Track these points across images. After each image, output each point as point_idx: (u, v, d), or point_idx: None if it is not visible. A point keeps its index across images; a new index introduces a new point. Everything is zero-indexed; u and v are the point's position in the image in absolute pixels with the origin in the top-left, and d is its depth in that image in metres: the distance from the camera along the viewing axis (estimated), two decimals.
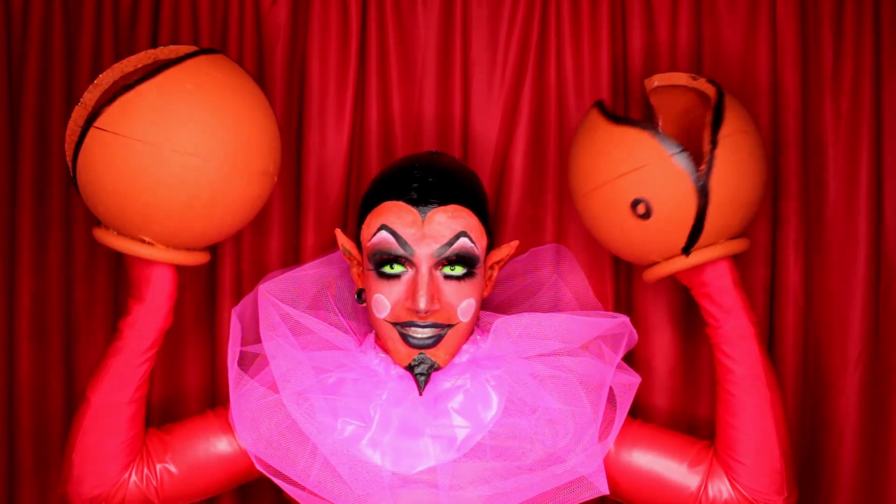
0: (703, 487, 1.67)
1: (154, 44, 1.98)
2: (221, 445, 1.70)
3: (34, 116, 1.97)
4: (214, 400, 1.97)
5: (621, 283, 1.97)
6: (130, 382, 1.67)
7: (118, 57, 1.98)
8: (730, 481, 1.67)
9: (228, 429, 1.71)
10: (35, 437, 1.98)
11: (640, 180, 1.61)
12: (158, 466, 1.68)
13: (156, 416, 1.94)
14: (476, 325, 1.72)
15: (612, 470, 1.69)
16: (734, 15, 1.96)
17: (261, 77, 1.98)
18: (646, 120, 1.64)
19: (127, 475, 1.67)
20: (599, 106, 1.70)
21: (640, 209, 1.61)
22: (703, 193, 1.61)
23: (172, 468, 1.69)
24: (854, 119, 1.94)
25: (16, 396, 1.98)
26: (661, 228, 1.63)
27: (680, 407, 1.95)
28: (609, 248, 1.75)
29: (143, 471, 1.68)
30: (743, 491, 1.66)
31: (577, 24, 1.96)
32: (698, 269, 1.67)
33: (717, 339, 1.69)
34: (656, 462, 1.69)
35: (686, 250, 1.66)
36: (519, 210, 1.97)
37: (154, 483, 1.68)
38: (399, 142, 1.97)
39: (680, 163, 1.60)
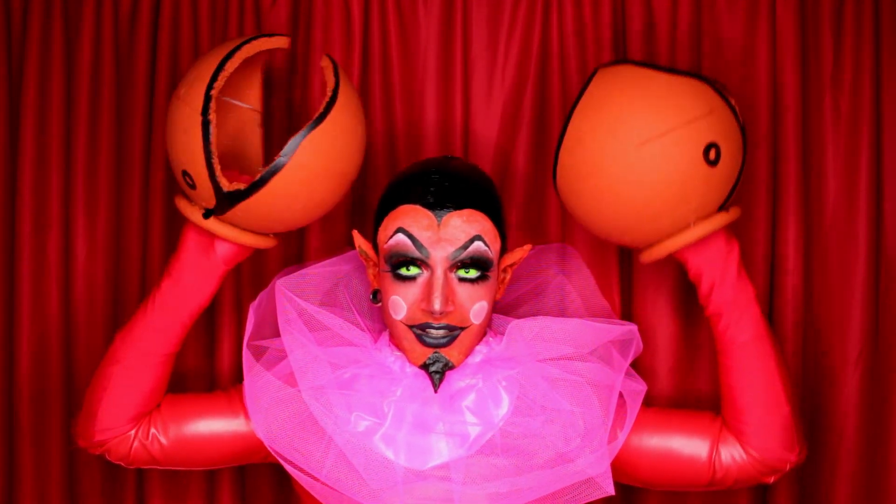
0: (714, 456, 1.70)
1: (154, 44, 1.98)
2: (229, 425, 1.74)
3: (34, 116, 1.97)
4: (214, 386, 1.98)
5: (625, 281, 1.97)
6: (163, 337, 1.73)
7: (118, 57, 1.98)
8: (741, 445, 1.69)
9: (238, 410, 1.74)
10: (35, 437, 1.98)
11: (711, 125, 1.59)
12: (169, 430, 1.73)
13: None
14: (488, 327, 1.74)
15: (623, 459, 1.71)
16: (734, 15, 1.96)
17: (267, 82, 1.98)
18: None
19: (134, 431, 1.73)
20: (631, 61, 1.67)
21: (712, 154, 1.59)
22: (745, 143, 1.65)
23: (180, 435, 1.74)
24: (854, 119, 1.94)
25: (16, 396, 1.98)
26: (720, 178, 1.62)
27: (682, 392, 1.96)
28: (636, 215, 1.63)
29: (149, 430, 1.73)
30: (754, 453, 1.69)
31: (580, 26, 1.96)
32: (713, 235, 1.67)
33: (720, 310, 1.68)
34: (665, 441, 1.71)
35: (724, 207, 1.66)
36: (522, 211, 1.97)
37: (160, 443, 1.73)
38: (402, 143, 1.98)
39: (732, 111, 1.63)
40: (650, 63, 1.67)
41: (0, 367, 1.99)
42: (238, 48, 1.65)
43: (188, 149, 1.63)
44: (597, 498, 1.68)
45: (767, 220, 1.95)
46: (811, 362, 1.95)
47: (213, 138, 1.61)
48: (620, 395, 1.72)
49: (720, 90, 1.65)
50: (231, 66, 1.63)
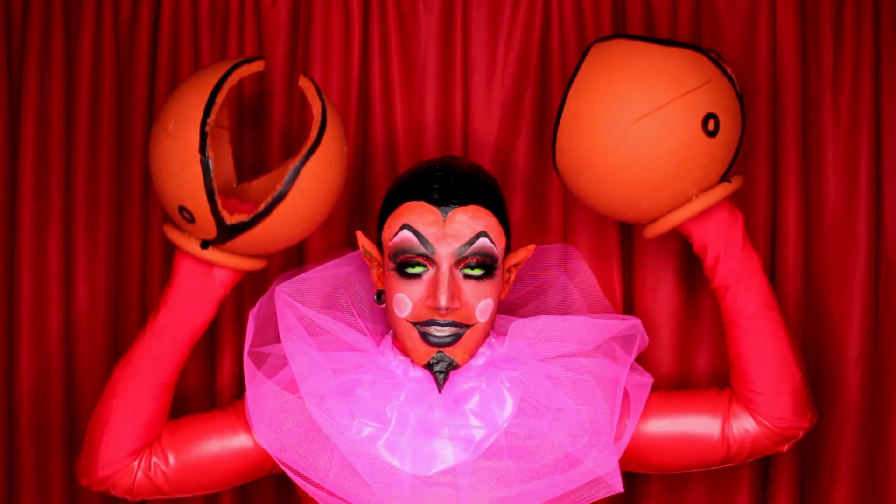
0: (726, 429, 1.70)
1: (154, 44, 1.98)
2: (230, 443, 1.72)
3: (34, 116, 1.97)
4: (214, 401, 1.97)
5: (626, 274, 1.97)
6: (161, 366, 1.71)
7: (118, 57, 1.98)
8: (752, 416, 1.69)
9: (238, 427, 1.72)
10: (35, 437, 1.98)
11: (708, 95, 1.60)
12: (169, 458, 1.71)
13: None
14: (491, 328, 1.72)
15: (634, 447, 1.70)
16: (733, 15, 1.96)
17: (261, 77, 1.98)
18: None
19: (137, 462, 1.70)
20: (625, 35, 1.67)
21: (711, 125, 1.59)
22: (744, 115, 1.65)
23: (182, 461, 1.71)
24: (854, 119, 1.94)
25: (16, 397, 1.98)
26: (720, 148, 1.61)
27: (682, 377, 1.96)
28: (638, 190, 1.63)
29: (150, 460, 1.70)
30: (767, 422, 1.69)
31: (580, 26, 1.96)
32: (716, 206, 1.67)
33: (726, 281, 1.68)
34: (674, 424, 1.71)
35: (725, 177, 1.65)
36: (523, 211, 1.97)
37: (162, 472, 1.70)
38: (402, 142, 1.97)
39: (728, 80, 1.63)
40: (644, 36, 1.66)
41: (1, 371, 1.99)
42: (224, 80, 1.64)
43: (187, 186, 1.62)
44: (605, 496, 1.67)
45: (767, 220, 1.95)
46: (811, 362, 1.95)
47: (213, 175, 1.60)
48: (626, 389, 1.71)
49: (716, 59, 1.64)
50: (220, 99, 1.62)
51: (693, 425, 1.71)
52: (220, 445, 1.72)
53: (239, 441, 1.72)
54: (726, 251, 1.68)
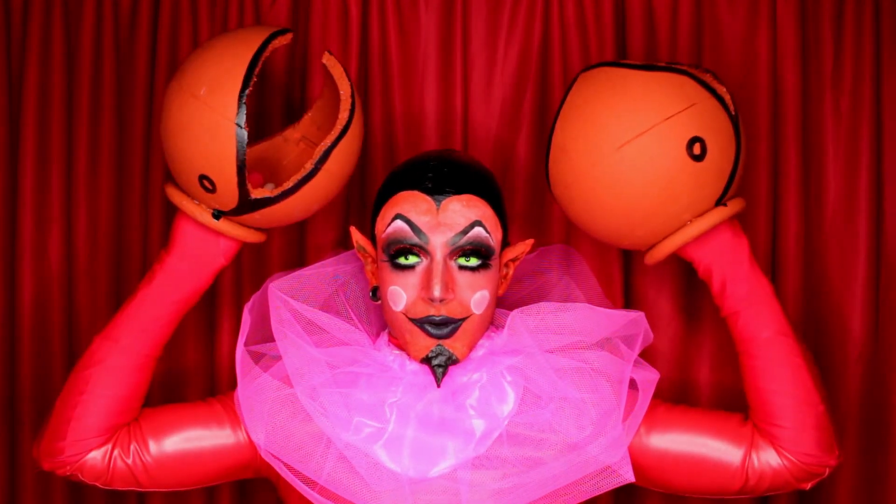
0: (747, 461, 1.64)
1: (154, 43, 1.98)
2: (216, 436, 1.67)
3: (34, 116, 1.97)
4: (213, 382, 1.97)
5: (627, 276, 1.97)
6: (147, 336, 1.67)
7: (118, 57, 1.98)
8: (776, 450, 1.63)
9: (225, 420, 1.68)
10: (36, 428, 1.98)
11: (692, 118, 1.57)
12: (150, 444, 1.65)
13: None
14: (492, 323, 1.70)
15: (648, 459, 1.66)
16: (734, 15, 1.96)
17: (261, 76, 1.98)
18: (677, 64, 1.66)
19: (110, 445, 1.64)
20: (608, 63, 1.66)
21: (696, 149, 1.56)
22: (738, 132, 1.61)
23: (163, 449, 1.66)
24: (854, 119, 1.94)
25: (18, 396, 1.98)
26: (709, 172, 1.58)
27: (681, 390, 1.96)
28: (628, 218, 1.62)
29: (129, 445, 1.65)
30: (792, 457, 1.63)
31: (581, 18, 1.96)
32: (717, 229, 1.64)
33: (736, 307, 1.64)
34: (694, 443, 1.65)
35: (722, 201, 1.62)
36: (524, 205, 1.97)
37: (143, 461, 1.65)
38: (401, 139, 1.97)
39: (719, 101, 1.60)
40: (627, 62, 1.65)
41: (3, 371, 1.99)
42: (262, 50, 1.62)
43: (215, 156, 1.59)
44: (615, 486, 1.62)
45: (768, 221, 1.95)
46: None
47: (246, 148, 1.59)
48: (633, 385, 1.67)
49: (705, 81, 1.62)
50: (257, 70, 1.61)
51: (714, 449, 1.64)
52: (204, 436, 1.66)
53: (225, 435, 1.67)
54: (732, 275, 1.64)
